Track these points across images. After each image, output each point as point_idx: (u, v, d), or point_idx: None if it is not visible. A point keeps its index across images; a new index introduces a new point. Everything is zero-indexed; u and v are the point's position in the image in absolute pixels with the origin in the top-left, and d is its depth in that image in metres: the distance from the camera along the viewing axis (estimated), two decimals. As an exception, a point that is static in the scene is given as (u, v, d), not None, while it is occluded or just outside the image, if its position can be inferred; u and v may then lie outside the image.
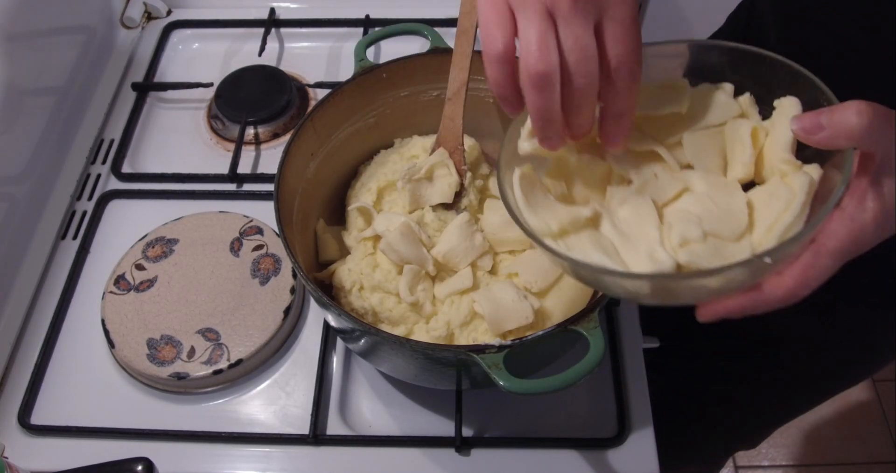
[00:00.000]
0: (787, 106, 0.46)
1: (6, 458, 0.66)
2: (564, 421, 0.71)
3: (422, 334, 0.65)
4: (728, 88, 0.51)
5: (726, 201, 0.47)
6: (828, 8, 0.60)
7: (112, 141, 0.93)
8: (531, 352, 0.58)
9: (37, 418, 0.71)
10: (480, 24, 0.45)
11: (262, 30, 1.01)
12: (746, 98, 0.50)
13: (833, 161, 0.44)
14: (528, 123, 0.48)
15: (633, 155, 0.51)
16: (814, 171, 0.45)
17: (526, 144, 0.49)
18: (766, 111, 0.49)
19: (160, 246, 0.79)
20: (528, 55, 0.43)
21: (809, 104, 0.45)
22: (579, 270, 0.44)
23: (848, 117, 0.41)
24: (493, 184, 0.74)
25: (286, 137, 0.92)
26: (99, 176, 0.89)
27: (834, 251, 0.41)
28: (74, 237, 0.84)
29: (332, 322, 0.65)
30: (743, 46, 0.49)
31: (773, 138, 0.47)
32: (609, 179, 0.51)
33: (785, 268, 0.42)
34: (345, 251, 0.72)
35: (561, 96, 0.44)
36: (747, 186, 0.49)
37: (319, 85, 0.97)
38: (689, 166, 0.50)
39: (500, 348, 0.54)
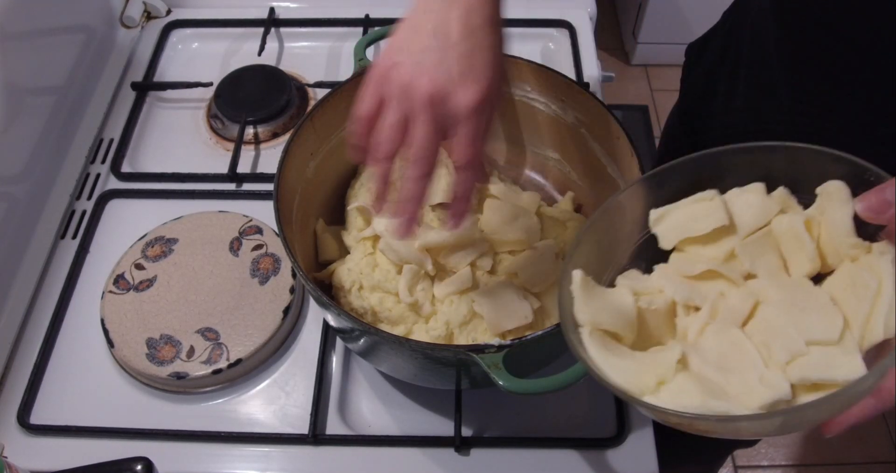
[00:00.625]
0: (835, 190, 0.45)
1: (5, 457, 0.66)
2: (564, 421, 0.71)
3: (421, 333, 0.65)
4: (759, 187, 0.48)
5: (809, 302, 0.44)
6: (828, 6, 0.60)
7: (111, 140, 0.93)
8: (530, 352, 0.58)
9: (36, 417, 0.71)
10: (361, 91, 0.53)
11: (261, 29, 1.01)
12: (782, 192, 0.48)
13: (887, 233, 0.42)
14: (576, 285, 0.47)
15: (692, 279, 0.48)
16: (887, 249, 0.43)
17: (581, 314, 0.46)
18: (801, 200, 0.48)
19: (159, 246, 0.79)
20: (376, 137, 0.53)
21: (850, 182, 0.44)
22: (701, 424, 0.41)
23: None
24: (492, 183, 0.74)
25: (286, 137, 0.92)
26: (98, 176, 0.89)
27: None
28: (74, 237, 0.84)
29: (332, 322, 0.65)
30: (760, 145, 0.47)
31: (830, 225, 0.45)
32: (674, 312, 0.49)
33: None
34: (344, 251, 0.72)
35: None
36: (813, 279, 0.47)
37: (319, 85, 0.97)
38: (750, 276, 0.48)
39: (500, 347, 0.54)
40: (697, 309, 0.47)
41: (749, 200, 0.49)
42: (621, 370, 0.44)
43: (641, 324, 0.48)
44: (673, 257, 0.50)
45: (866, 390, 0.39)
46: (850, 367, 0.40)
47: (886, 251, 0.43)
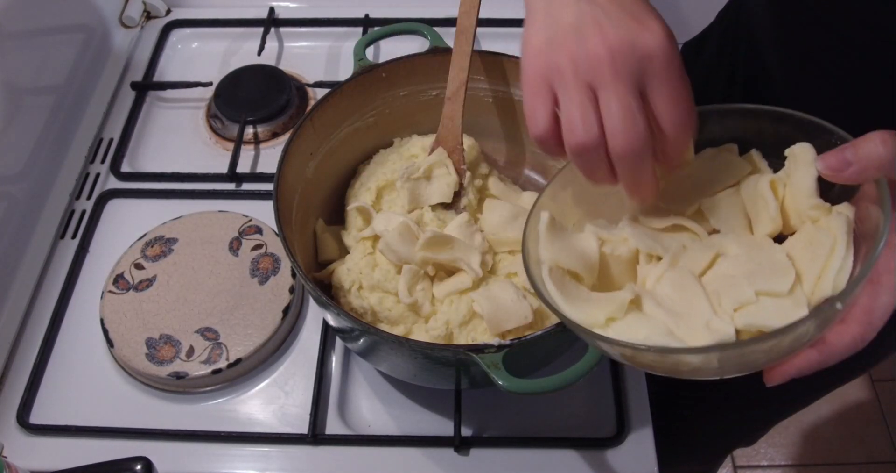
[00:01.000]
0: (801, 153, 0.46)
1: (5, 457, 0.66)
2: (563, 421, 0.71)
3: (421, 333, 0.65)
4: (732, 148, 0.50)
5: (765, 258, 0.46)
6: (826, 4, 0.60)
7: (111, 140, 0.92)
8: (530, 352, 0.58)
9: (36, 417, 0.71)
10: (524, 103, 0.46)
11: (261, 29, 1.01)
12: (754, 154, 0.50)
13: (858, 198, 0.43)
14: (543, 225, 0.48)
15: (657, 231, 0.50)
16: (846, 210, 0.44)
17: (545, 252, 0.48)
18: (774, 164, 0.49)
19: (159, 245, 0.79)
20: (568, 130, 0.44)
21: (820, 147, 0.45)
22: (642, 355, 0.42)
23: (874, 148, 0.40)
24: (492, 183, 0.75)
25: (285, 137, 0.92)
26: (98, 175, 0.89)
27: (892, 286, 0.40)
28: (73, 237, 0.84)
29: (332, 322, 0.65)
30: (737, 106, 0.48)
31: (794, 187, 0.46)
32: (636, 260, 0.50)
33: (846, 315, 0.41)
34: (344, 251, 0.72)
35: (610, 159, 0.44)
36: (776, 240, 0.48)
37: (319, 84, 0.97)
38: (714, 232, 0.49)
39: (500, 347, 0.54)
40: (659, 259, 0.49)
41: (723, 159, 0.50)
42: (575, 305, 0.45)
43: (604, 269, 0.50)
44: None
45: (805, 334, 0.40)
46: (796, 316, 0.41)
47: (844, 213, 0.44)
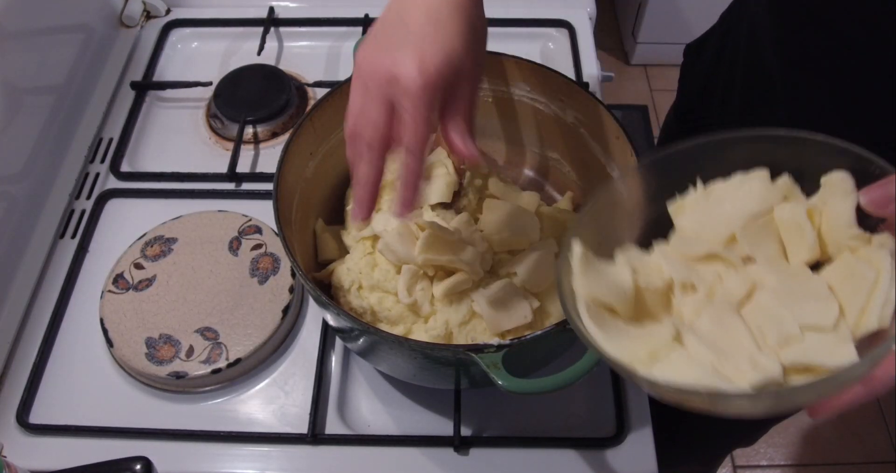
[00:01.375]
0: (838, 181, 0.45)
1: (5, 457, 0.66)
2: (563, 421, 0.71)
3: (420, 333, 0.65)
4: (763, 173, 0.49)
5: (805, 289, 0.45)
6: (826, 5, 0.60)
7: (111, 140, 0.92)
8: (530, 351, 0.58)
9: (35, 417, 0.71)
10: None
11: (261, 29, 1.01)
12: (786, 180, 0.48)
13: (887, 226, 0.43)
14: (576, 259, 0.47)
15: (691, 260, 0.49)
16: (888, 241, 0.43)
17: (580, 286, 0.47)
18: (805, 189, 0.48)
19: (159, 245, 0.79)
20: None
21: (855, 173, 0.44)
22: (690, 396, 0.42)
23: None
24: (492, 183, 0.74)
25: (285, 137, 0.92)
26: (98, 175, 0.89)
27: None
28: (73, 236, 0.84)
29: (331, 322, 0.65)
30: (765, 132, 0.47)
31: (831, 216, 0.46)
32: (671, 290, 0.49)
33: None
34: (344, 251, 0.72)
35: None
36: (810, 267, 0.47)
37: (318, 84, 0.97)
38: (748, 259, 0.48)
39: (499, 347, 0.54)
40: (694, 289, 0.47)
41: (752, 186, 0.49)
42: (616, 342, 0.45)
43: (638, 301, 0.48)
44: (673, 237, 0.50)
45: (857, 377, 0.40)
46: (842, 354, 0.41)
47: (886, 244, 0.43)
